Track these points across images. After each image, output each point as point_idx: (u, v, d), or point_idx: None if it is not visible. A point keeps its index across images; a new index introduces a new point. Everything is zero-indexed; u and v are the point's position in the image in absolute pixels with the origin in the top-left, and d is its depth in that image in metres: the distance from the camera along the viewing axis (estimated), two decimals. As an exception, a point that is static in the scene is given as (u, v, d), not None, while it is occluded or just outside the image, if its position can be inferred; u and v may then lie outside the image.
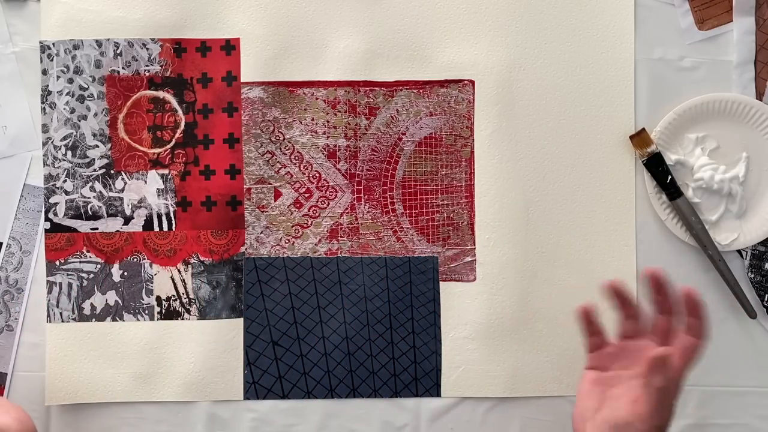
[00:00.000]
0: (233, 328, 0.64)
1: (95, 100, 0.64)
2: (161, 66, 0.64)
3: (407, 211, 0.65)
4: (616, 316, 0.53)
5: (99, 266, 0.65)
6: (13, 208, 0.65)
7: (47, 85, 0.64)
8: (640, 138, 0.63)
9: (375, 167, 0.65)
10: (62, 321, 0.64)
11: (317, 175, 0.65)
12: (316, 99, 0.65)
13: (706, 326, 0.51)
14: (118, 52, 0.64)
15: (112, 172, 0.65)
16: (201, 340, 0.64)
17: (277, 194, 0.65)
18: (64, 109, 0.64)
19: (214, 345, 0.64)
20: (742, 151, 0.64)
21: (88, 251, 0.65)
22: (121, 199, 0.65)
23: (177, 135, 0.65)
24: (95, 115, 0.64)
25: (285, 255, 0.65)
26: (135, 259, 0.65)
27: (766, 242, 0.65)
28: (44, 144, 0.65)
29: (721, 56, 0.65)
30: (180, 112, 0.65)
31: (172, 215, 0.65)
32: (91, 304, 0.65)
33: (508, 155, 0.65)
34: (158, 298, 0.65)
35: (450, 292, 0.65)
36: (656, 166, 0.63)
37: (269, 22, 0.64)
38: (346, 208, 0.65)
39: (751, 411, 0.65)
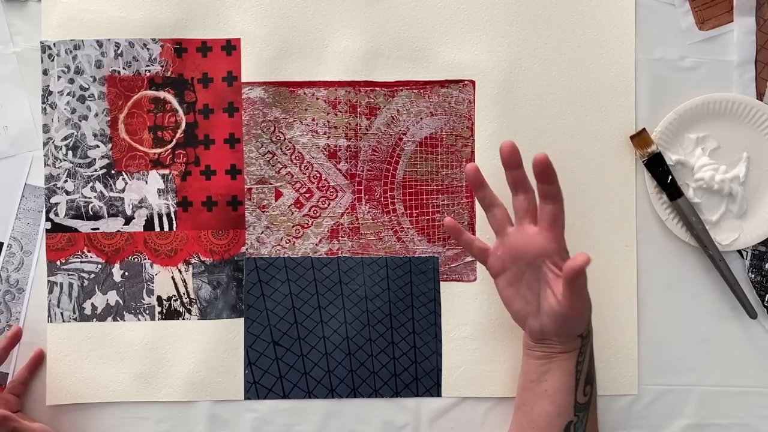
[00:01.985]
0: (234, 328, 0.65)
1: (96, 101, 0.64)
2: (162, 66, 0.64)
3: (408, 211, 0.65)
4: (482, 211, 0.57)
5: (100, 266, 0.65)
6: (14, 208, 0.65)
7: (48, 86, 0.64)
8: (640, 138, 0.63)
9: (375, 167, 0.65)
10: (63, 321, 0.64)
11: (318, 175, 0.65)
12: (317, 99, 0.65)
13: (559, 189, 0.52)
14: (119, 52, 0.64)
15: (112, 172, 0.65)
16: (202, 340, 0.64)
17: (278, 194, 0.65)
18: (65, 109, 0.64)
19: (215, 345, 0.64)
20: (742, 151, 0.64)
21: (88, 251, 0.65)
22: (122, 199, 0.65)
23: (178, 135, 0.65)
24: (96, 115, 0.65)
25: (286, 255, 0.65)
26: (136, 259, 0.65)
27: (766, 242, 0.65)
28: (45, 144, 0.65)
29: (721, 56, 0.65)
30: (181, 112, 0.65)
31: (172, 215, 0.65)
32: (92, 304, 0.65)
33: (508, 155, 0.65)
34: (159, 298, 0.65)
35: (450, 292, 0.65)
36: (657, 166, 0.63)
37: (270, 22, 0.64)
38: (347, 208, 0.65)
39: (751, 411, 0.65)
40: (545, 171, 0.51)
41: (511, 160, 0.53)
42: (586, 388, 0.57)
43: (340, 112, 0.65)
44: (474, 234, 0.65)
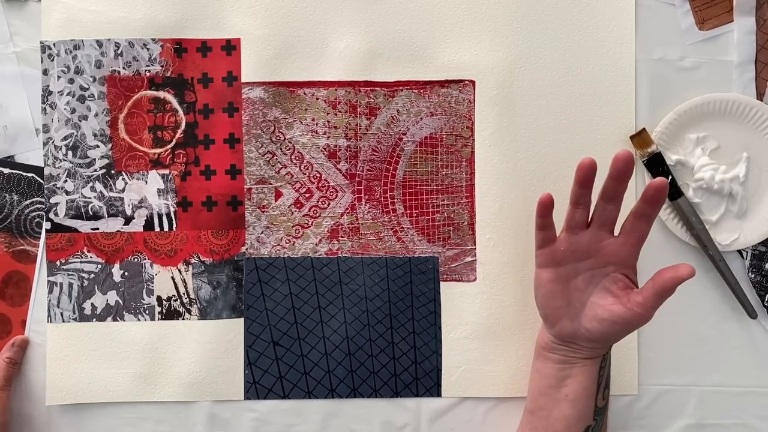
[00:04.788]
0: (234, 328, 0.65)
1: (96, 100, 0.64)
2: (162, 66, 0.64)
3: (408, 211, 0.65)
4: (569, 205, 0.54)
5: (100, 266, 0.65)
6: (14, 208, 0.65)
7: (48, 86, 0.64)
8: (640, 138, 0.64)
9: (375, 167, 0.65)
10: (63, 321, 0.64)
11: (318, 175, 0.65)
12: (317, 99, 0.65)
13: (658, 214, 0.52)
14: (119, 52, 0.64)
15: (112, 172, 0.65)
16: (201, 340, 0.64)
17: (278, 194, 0.65)
18: (65, 109, 0.64)
19: (215, 345, 0.64)
20: (742, 151, 0.64)
21: (88, 251, 0.65)
22: (122, 199, 0.65)
23: (177, 135, 0.65)
24: (96, 115, 0.65)
25: (285, 255, 0.65)
26: (136, 259, 0.65)
27: (766, 242, 0.65)
28: (45, 144, 0.65)
29: (721, 56, 0.65)
30: (180, 112, 0.65)
31: (172, 215, 0.65)
32: (92, 304, 0.65)
33: (508, 155, 0.65)
34: (159, 298, 0.65)
35: (450, 292, 0.65)
36: (657, 166, 0.63)
37: (270, 22, 0.64)
38: (347, 208, 0.65)
39: (751, 411, 0.65)
40: (659, 198, 0.50)
41: (626, 172, 0.51)
42: (605, 392, 0.57)
43: (340, 112, 0.65)
44: (474, 234, 0.65)
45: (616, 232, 0.54)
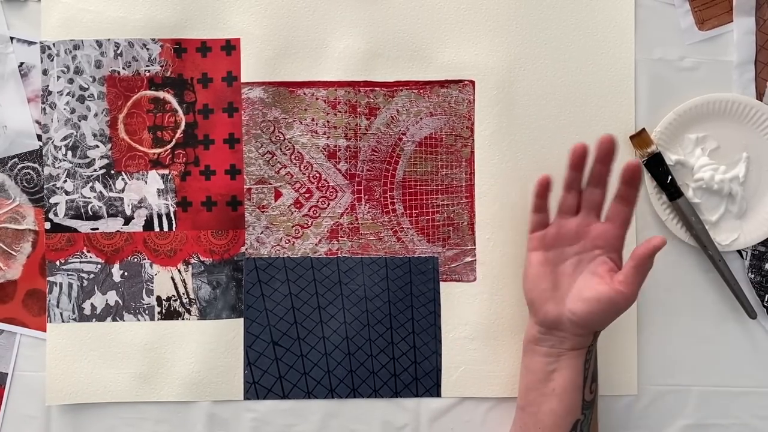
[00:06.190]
0: (233, 328, 0.65)
1: (95, 101, 0.64)
2: (161, 66, 0.64)
3: (407, 212, 0.65)
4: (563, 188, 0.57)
5: (99, 266, 0.65)
6: (14, 208, 0.65)
7: (47, 86, 0.64)
8: (640, 138, 0.64)
9: (375, 167, 0.65)
10: (62, 321, 0.64)
11: (317, 175, 0.65)
12: (317, 99, 0.65)
13: (638, 194, 0.55)
14: (119, 52, 0.64)
15: (112, 172, 0.65)
16: (201, 340, 0.64)
17: (278, 194, 0.65)
18: (65, 109, 0.64)
19: (215, 345, 0.64)
20: (742, 151, 0.64)
21: (88, 251, 0.65)
22: (122, 199, 0.65)
23: (177, 135, 0.65)
24: (95, 115, 0.65)
25: (285, 255, 0.65)
26: (135, 259, 0.65)
27: (766, 242, 0.65)
28: (44, 144, 0.65)
29: (721, 56, 0.65)
30: (180, 112, 0.65)
31: (172, 215, 0.65)
32: (92, 304, 0.65)
33: (508, 155, 0.65)
34: (158, 298, 0.65)
35: (450, 292, 0.65)
36: (656, 167, 0.63)
37: (269, 22, 0.64)
38: (347, 209, 0.65)
39: (751, 411, 0.65)
40: (635, 177, 0.54)
41: (607, 154, 0.55)
42: (592, 385, 0.57)
43: (339, 112, 0.65)
44: (473, 234, 0.65)
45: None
